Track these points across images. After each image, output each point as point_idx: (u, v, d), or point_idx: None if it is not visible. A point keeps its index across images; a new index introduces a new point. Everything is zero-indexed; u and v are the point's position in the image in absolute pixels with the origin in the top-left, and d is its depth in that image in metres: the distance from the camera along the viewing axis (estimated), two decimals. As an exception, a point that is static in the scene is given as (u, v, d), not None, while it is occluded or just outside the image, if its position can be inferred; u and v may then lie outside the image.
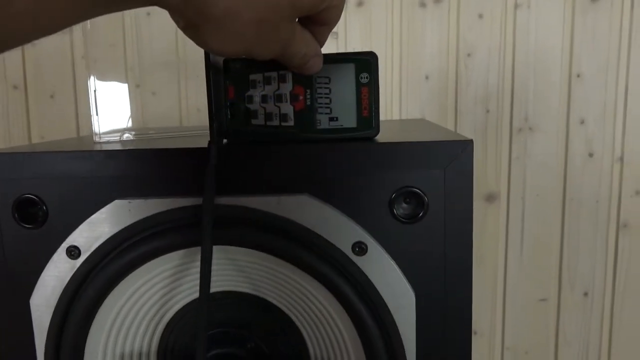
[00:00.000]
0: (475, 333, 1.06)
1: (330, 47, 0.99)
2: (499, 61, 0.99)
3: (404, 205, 0.38)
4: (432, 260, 0.38)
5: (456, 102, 1.00)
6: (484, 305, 1.05)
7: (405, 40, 0.99)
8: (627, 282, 1.03)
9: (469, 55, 0.99)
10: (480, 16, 0.99)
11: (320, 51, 0.37)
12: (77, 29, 1.11)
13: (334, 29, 0.99)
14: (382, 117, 1.02)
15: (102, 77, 0.59)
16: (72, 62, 1.03)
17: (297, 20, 0.33)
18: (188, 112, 0.97)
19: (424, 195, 0.37)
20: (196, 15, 0.28)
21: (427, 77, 0.99)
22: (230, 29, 0.29)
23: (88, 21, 0.53)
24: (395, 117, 1.02)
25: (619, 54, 0.99)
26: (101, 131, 0.48)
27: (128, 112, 0.60)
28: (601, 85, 0.99)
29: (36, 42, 1.04)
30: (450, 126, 1.01)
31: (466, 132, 1.00)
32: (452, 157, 0.37)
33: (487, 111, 1.00)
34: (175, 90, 0.97)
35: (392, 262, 0.38)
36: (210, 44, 0.30)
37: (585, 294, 1.04)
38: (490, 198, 1.02)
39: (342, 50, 1.00)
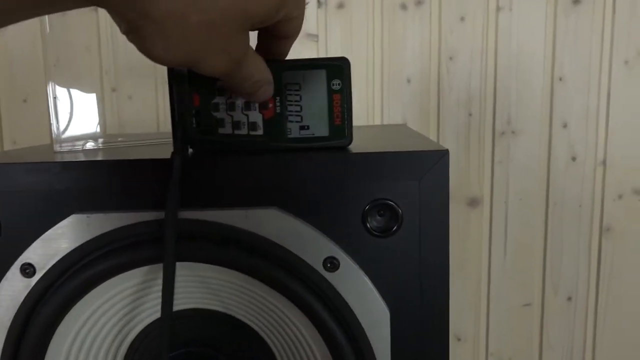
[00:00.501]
0: (459, 339, 1.05)
1: (310, 50, 0.98)
2: (481, 64, 0.98)
3: (378, 218, 0.36)
4: (407, 275, 0.36)
5: (438, 105, 0.99)
6: (467, 310, 1.04)
7: (386, 43, 0.98)
8: (611, 286, 1.03)
9: (450, 58, 0.98)
10: (462, 19, 0.97)
11: (272, 79, 0.35)
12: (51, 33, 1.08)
13: (314, 32, 0.98)
14: (363, 121, 1.01)
15: (70, 81, 0.56)
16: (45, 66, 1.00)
17: (250, 33, 0.31)
18: (165, 116, 0.94)
19: (397, 208, 0.35)
20: (137, 16, 0.26)
21: (408, 80, 0.98)
22: (174, 34, 0.26)
23: (47, 25, 0.50)
24: (377, 120, 1.01)
25: (601, 57, 0.99)
26: (63, 139, 0.46)
27: (96, 119, 0.58)
28: (583, 89, 0.99)
29: (9, 46, 1.01)
30: (432, 130, 1.00)
31: (448, 136, 0.99)
32: (427, 167, 0.35)
33: (470, 115, 0.99)
34: (152, 94, 0.95)
35: (366, 278, 0.36)
36: (152, 50, 0.27)
37: (569, 299, 1.03)
38: (473, 202, 1.01)
39: (322, 53, 0.98)
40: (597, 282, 1.03)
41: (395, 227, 0.36)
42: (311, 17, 0.97)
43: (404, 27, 0.97)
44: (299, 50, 0.98)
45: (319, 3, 0.97)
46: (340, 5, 0.97)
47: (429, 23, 0.97)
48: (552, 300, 1.03)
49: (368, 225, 0.36)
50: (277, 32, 0.34)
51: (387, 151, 0.36)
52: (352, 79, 0.99)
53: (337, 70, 0.38)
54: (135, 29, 0.27)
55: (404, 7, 0.97)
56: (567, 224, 1.01)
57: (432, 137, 1.00)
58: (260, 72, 0.33)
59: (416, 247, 0.36)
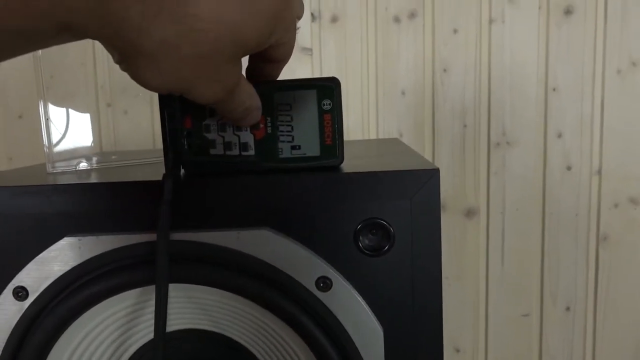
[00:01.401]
0: (457, 350, 1.04)
1: (304, 64, 0.98)
2: (474, 76, 0.98)
3: (370, 237, 0.36)
4: (399, 293, 0.36)
5: (433, 117, 0.99)
6: (466, 322, 1.04)
7: (380, 55, 0.98)
8: (609, 295, 1.03)
9: (444, 70, 0.98)
10: (455, 31, 0.98)
11: (260, 104, 0.35)
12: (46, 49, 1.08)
13: (308, 45, 0.98)
14: (359, 134, 1.01)
15: (65, 97, 0.57)
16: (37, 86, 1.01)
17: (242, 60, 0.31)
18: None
19: (389, 227, 0.36)
20: (129, 47, 0.26)
21: (403, 93, 0.99)
22: (165, 64, 0.27)
23: (39, 47, 0.50)
24: (372, 132, 1.01)
25: (594, 66, 0.99)
26: (56, 160, 0.46)
27: (90, 137, 0.58)
28: (577, 99, 0.99)
29: (2, 62, 1.01)
30: (427, 141, 1.00)
31: (444, 148, 1.00)
32: (418, 186, 0.35)
33: (465, 126, 0.99)
34: (147, 109, 0.95)
35: (359, 297, 0.36)
36: (145, 79, 0.28)
37: (568, 309, 1.03)
38: (470, 213, 1.01)
39: (316, 66, 0.99)
40: (595, 292, 1.03)
41: (387, 246, 0.36)
42: (305, 30, 0.98)
43: (397, 40, 0.98)
44: (293, 64, 0.98)
45: (313, 17, 0.98)
46: (334, 19, 0.98)
47: (422, 36, 0.98)
48: (550, 311, 1.03)
49: (360, 244, 0.36)
50: (268, 56, 0.34)
51: (378, 171, 0.36)
52: (347, 92, 0.99)
53: (327, 90, 0.38)
54: (127, 59, 0.27)
55: (397, 20, 0.98)
56: (563, 234, 1.01)
57: (428, 148, 1.00)
58: (250, 99, 0.34)
59: (408, 266, 0.36)
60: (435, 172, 0.35)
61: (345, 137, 1.01)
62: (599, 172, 1.00)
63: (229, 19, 0.27)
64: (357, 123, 1.00)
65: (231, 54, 0.29)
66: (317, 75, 0.98)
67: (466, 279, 1.02)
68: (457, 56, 0.98)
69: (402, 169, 0.36)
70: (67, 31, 0.26)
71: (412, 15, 0.99)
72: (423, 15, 0.98)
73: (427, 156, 1.00)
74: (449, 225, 1.01)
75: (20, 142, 1.02)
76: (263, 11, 0.28)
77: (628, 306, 1.03)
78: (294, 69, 0.99)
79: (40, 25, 0.25)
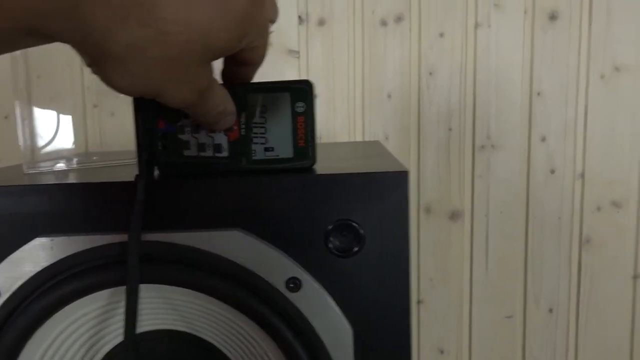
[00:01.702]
0: (442, 352, 1.05)
1: (292, 67, 0.99)
2: (460, 80, 0.99)
3: (340, 238, 0.36)
4: (369, 294, 0.37)
5: (419, 120, 1.00)
6: (450, 324, 1.04)
7: (367, 58, 0.99)
8: (591, 297, 1.04)
9: (430, 74, 0.99)
10: (441, 35, 0.99)
11: (234, 109, 0.36)
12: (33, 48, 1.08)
13: (295, 48, 0.99)
14: (345, 137, 1.02)
15: (51, 98, 0.57)
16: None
17: (213, 64, 0.32)
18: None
19: (359, 228, 0.36)
20: (97, 51, 0.26)
21: (389, 96, 0.99)
22: (134, 67, 0.27)
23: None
24: (359, 135, 1.02)
25: (578, 71, 1.01)
26: (33, 160, 0.46)
27: (71, 139, 0.58)
28: (561, 103, 1.00)
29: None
30: (413, 144, 1.00)
31: (429, 150, 1.00)
32: (388, 188, 0.36)
33: (450, 129, 1.00)
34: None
35: (328, 298, 0.37)
36: (114, 82, 0.28)
37: (550, 310, 1.04)
38: (454, 216, 1.02)
39: (303, 69, 0.99)
40: (578, 293, 1.04)
41: (357, 248, 0.36)
42: (292, 33, 0.98)
43: (384, 43, 0.99)
44: (280, 67, 0.99)
45: (300, 20, 0.98)
46: (321, 22, 0.99)
47: (408, 39, 0.99)
48: (534, 312, 1.04)
49: (330, 245, 0.36)
50: (242, 59, 0.34)
51: (349, 173, 0.36)
52: (334, 94, 1.00)
53: (300, 93, 0.38)
54: (97, 63, 0.27)
55: (384, 23, 0.99)
56: (547, 237, 1.02)
57: (413, 151, 1.01)
58: (224, 104, 0.34)
59: (378, 267, 0.36)
60: (405, 174, 0.36)
61: (332, 140, 1.01)
62: (582, 175, 1.01)
63: (199, 22, 0.28)
64: (344, 126, 1.01)
65: (201, 57, 0.29)
66: (303, 78, 0.98)
67: (450, 281, 1.03)
68: (443, 60, 0.99)
69: (372, 171, 0.36)
70: (34, 34, 0.26)
71: (399, 19, 0.99)
72: (410, 19, 0.99)
73: (413, 159, 1.00)
74: (434, 228, 1.02)
75: (6, 142, 1.01)
76: (233, 14, 0.29)
77: (610, 308, 1.04)
78: (281, 71, 0.99)
79: (7, 28, 0.25)
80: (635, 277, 1.03)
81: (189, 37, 0.27)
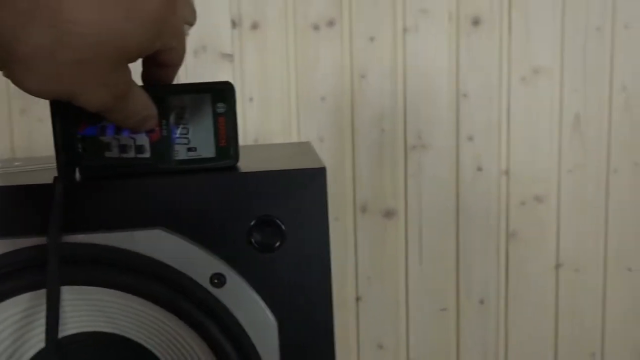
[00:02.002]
0: (381, 347, 1.08)
1: (225, 71, 0.99)
2: (390, 82, 1.03)
3: (262, 234, 0.38)
4: (292, 288, 0.38)
5: (352, 122, 1.03)
6: (387, 319, 1.07)
7: (300, 62, 1.01)
8: (519, 287, 1.10)
9: (362, 76, 1.02)
10: (372, 39, 1.02)
11: (156, 112, 0.36)
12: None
13: (229, 52, 0.99)
14: (280, 139, 1.03)
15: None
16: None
17: (129, 68, 0.32)
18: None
19: (280, 224, 0.37)
20: (5, 54, 0.26)
21: (323, 98, 1.01)
22: (43, 70, 0.27)
23: None
24: (294, 136, 1.03)
25: (501, 74, 1.06)
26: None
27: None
28: (486, 104, 1.06)
29: None
30: (347, 146, 1.03)
31: (363, 151, 1.03)
32: (307, 185, 0.37)
33: (382, 130, 1.03)
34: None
35: (253, 292, 0.38)
36: (24, 85, 0.28)
37: (481, 302, 1.09)
38: (389, 214, 1.05)
39: (238, 72, 1.00)
40: (506, 284, 1.10)
41: (278, 243, 0.38)
42: (225, 37, 0.99)
43: (317, 47, 1.01)
44: (214, 70, 0.99)
45: (234, 24, 0.99)
46: (255, 26, 1.00)
47: (340, 43, 1.01)
48: (466, 304, 1.09)
49: (253, 241, 0.37)
50: (160, 61, 0.35)
51: (269, 170, 0.38)
52: (268, 97, 1.01)
53: (221, 93, 0.39)
54: (6, 66, 0.27)
55: (316, 27, 1.01)
56: (476, 231, 1.07)
57: (348, 152, 1.03)
58: (145, 109, 0.34)
59: (300, 261, 0.38)
60: (322, 170, 0.38)
61: (268, 142, 1.02)
62: (507, 172, 1.07)
63: (109, 24, 0.28)
64: (279, 128, 1.02)
65: (115, 59, 0.29)
66: (238, 81, 0.99)
67: (387, 277, 1.06)
68: (374, 63, 1.02)
69: (291, 168, 0.38)
70: None
71: (331, 23, 1.02)
72: (341, 24, 1.01)
73: (348, 160, 1.03)
74: (370, 226, 1.05)
75: None
76: (145, 16, 0.29)
77: (534, 297, 1.10)
78: (215, 75, 0.99)
79: None
80: (557, 266, 1.10)
81: (99, 39, 0.28)
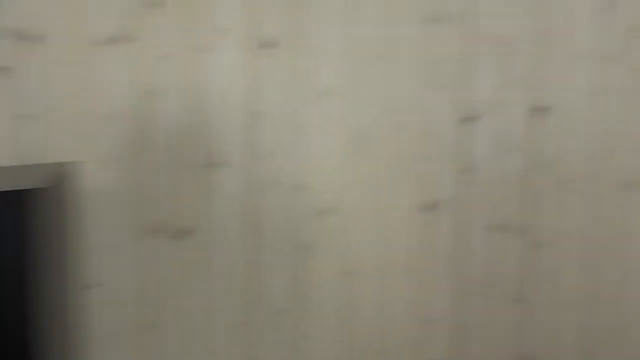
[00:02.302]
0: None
1: (3, 84, 0.85)
2: (185, 100, 0.96)
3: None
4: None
5: (145, 140, 0.95)
6: (186, 340, 1.02)
7: (85, 78, 0.89)
8: (312, 294, 1.10)
9: (156, 95, 0.93)
10: (166, 58, 0.93)
11: None
12: None
13: (5, 64, 0.85)
14: (60, 157, 0.90)
15: None
16: None
17: None
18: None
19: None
20: None
21: (109, 117, 0.92)
22: None
23: None
24: (77, 155, 0.91)
25: (294, 93, 1.05)
26: None
27: None
28: (282, 121, 1.05)
29: None
30: (142, 165, 0.95)
31: (160, 169, 0.97)
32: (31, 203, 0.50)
33: (179, 148, 0.98)
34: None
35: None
36: None
37: (280, 312, 1.07)
38: (183, 233, 1.00)
39: (18, 88, 0.86)
40: (303, 293, 1.11)
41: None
42: (6, 50, 0.85)
43: (110, 63, 0.89)
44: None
45: (15, 36, 0.84)
46: (39, 40, 0.85)
47: (133, 61, 0.91)
48: (263, 316, 1.06)
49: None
50: None
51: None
52: (55, 115, 0.88)
53: None
54: None
55: (107, 43, 0.89)
56: (273, 243, 1.06)
57: (143, 170, 0.96)
58: None
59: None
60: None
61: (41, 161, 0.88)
62: (301, 187, 1.07)
63: None
64: (57, 146, 0.91)
65: None
66: (16, 95, 0.88)
67: (184, 295, 1.00)
68: (169, 82, 0.93)
69: (13, 188, 0.40)
70: None
71: (125, 39, 0.88)
72: (135, 40, 0.89)
73: (142, 178, 0.95)
74: (163, 246, 0.97)
75: None
76: None
77: (327, 304, 1.11)
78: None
79: None
80: (347, 273, 1.11)
81: None
